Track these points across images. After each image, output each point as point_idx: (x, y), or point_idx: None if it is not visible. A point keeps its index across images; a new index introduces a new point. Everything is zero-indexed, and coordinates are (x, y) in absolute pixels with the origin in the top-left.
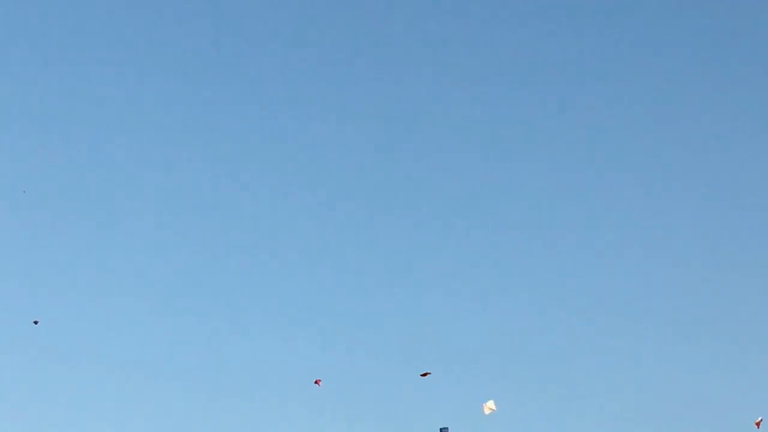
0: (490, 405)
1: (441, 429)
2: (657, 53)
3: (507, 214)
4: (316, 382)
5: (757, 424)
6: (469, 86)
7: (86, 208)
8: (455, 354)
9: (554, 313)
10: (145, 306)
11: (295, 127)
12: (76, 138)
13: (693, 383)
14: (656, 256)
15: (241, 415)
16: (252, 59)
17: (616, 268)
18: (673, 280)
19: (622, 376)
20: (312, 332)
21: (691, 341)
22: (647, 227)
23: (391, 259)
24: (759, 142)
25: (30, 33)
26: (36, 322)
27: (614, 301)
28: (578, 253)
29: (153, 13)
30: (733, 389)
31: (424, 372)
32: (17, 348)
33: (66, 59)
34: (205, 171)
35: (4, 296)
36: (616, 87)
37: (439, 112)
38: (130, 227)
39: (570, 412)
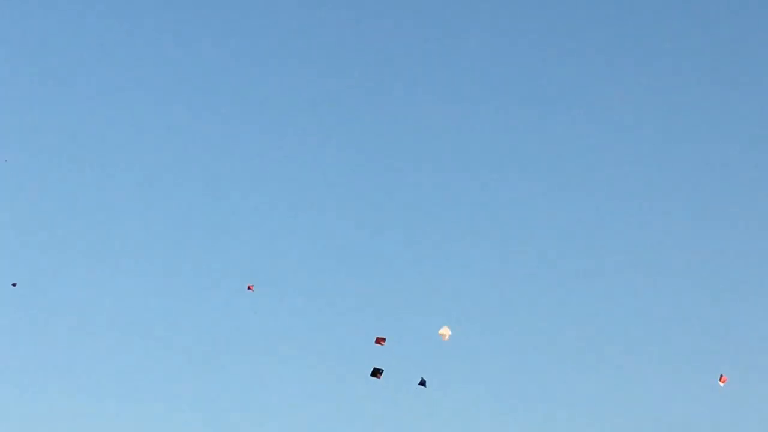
0: (445, 331)
1: (421, 380)
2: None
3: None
4: (249, 288)
5: (722, 380)
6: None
7: (84, 158)
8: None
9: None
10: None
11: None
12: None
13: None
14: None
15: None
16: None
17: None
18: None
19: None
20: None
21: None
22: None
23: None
24: None
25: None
26: (14, 285)
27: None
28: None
29: None
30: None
31: (376, 371)
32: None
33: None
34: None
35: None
36: None
37: None
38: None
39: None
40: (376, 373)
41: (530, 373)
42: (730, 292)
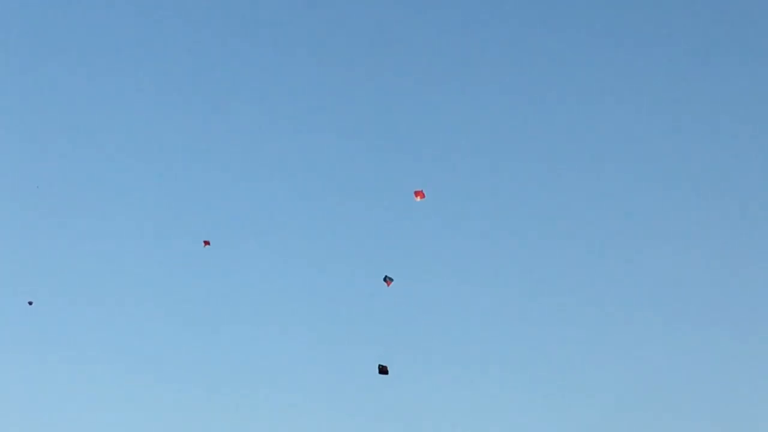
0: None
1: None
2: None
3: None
4: (205, 243)
5: (417, 194)
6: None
7: (84, 200)
8: None
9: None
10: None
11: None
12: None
13: None
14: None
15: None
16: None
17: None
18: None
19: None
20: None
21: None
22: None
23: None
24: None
25: (28, 30)
26: (30, 303)
27: None
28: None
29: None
30: None
31: (382, 369)
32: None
33: (63, 55)
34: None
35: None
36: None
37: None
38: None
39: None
40: (383, 370)
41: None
42: None
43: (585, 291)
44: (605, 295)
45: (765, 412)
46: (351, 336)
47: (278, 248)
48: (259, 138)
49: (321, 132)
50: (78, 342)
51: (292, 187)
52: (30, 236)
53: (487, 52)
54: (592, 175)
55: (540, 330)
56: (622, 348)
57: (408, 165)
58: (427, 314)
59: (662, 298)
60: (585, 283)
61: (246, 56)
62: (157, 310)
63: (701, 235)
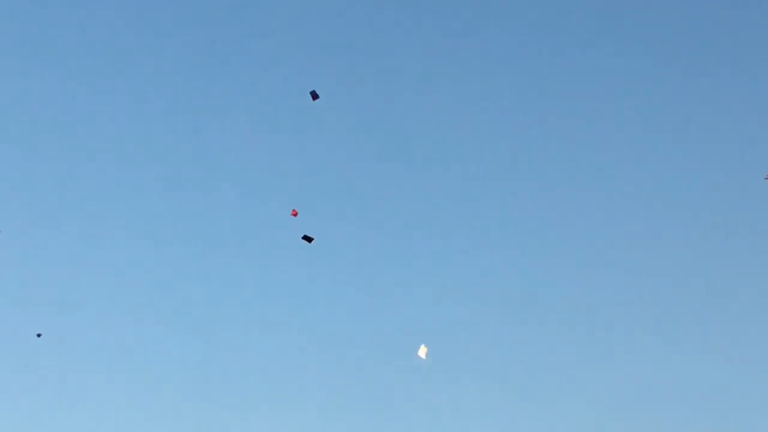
0: (423, 350)
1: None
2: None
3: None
4: (293, 213)
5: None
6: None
7: (78, 205)
8: None
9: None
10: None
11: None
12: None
13: None
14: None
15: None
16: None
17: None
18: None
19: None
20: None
21: None
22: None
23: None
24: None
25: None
26: (39, 335)
27: None
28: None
29: None
30: None
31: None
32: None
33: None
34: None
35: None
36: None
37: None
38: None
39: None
40: (308, 239)
41: None
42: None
43: (581, 294)
44: (601, 298)
45: (764, 413)
46: (347, 342)
47: (275, 253)
48: (255, 143)
49: (317, 140)
50: (71, 347)
51: (288, 194)
52: (24, 241)
53: (486, 58)
54: (587, 182)
55: (535, 333)
56: (617, 352)
57: (402, 173)
58: (422, 318)
59: (658, 300)
60: (582, 285)
61: (240, 63)
62: (153, 316)
63: (697, 235)
